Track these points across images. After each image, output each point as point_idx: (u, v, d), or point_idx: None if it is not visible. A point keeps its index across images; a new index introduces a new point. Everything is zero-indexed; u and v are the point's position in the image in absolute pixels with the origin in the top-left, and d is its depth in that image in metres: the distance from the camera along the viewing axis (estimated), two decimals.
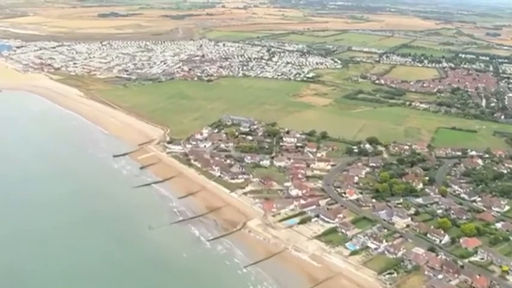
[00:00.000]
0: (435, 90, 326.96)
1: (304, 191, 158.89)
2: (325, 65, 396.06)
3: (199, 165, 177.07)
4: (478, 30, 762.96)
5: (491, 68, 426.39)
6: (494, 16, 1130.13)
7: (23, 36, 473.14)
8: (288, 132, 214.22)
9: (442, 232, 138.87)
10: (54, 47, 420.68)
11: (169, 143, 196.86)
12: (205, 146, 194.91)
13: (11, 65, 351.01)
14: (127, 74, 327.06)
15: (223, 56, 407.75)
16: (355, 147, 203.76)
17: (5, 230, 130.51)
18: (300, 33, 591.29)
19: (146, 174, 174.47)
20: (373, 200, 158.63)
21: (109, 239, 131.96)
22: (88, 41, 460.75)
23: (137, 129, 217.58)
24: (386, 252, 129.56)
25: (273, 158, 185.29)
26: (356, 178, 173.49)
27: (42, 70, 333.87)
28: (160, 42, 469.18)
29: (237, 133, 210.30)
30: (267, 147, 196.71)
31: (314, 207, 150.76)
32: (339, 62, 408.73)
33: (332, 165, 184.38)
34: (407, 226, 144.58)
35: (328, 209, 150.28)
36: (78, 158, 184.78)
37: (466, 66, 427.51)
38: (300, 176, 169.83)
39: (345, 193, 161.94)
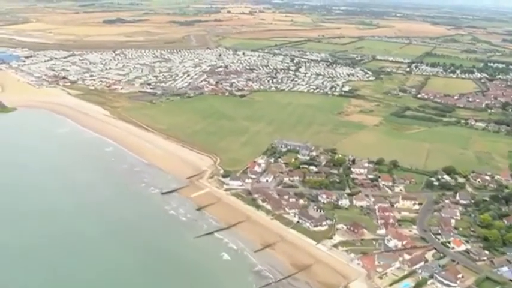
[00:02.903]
0: (483, 105, 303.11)
1: (404, 242, 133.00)
2: (357, 76, 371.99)
3: (269, 207, 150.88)
4: (492, 36, 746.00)
5: None
6: (500, 21, 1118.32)
7: (29, 44, 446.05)
8: (353, 162, 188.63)
9: None
10: (65, 57, 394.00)
11: (224, 176, 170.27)
12: (267, 180, 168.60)
13: (22, 77, 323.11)
14: (151, 88, 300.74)
15: (247, 67, 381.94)
16: (433, 178, 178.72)
17: None
18: (316, 40, 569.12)
19: (206, 218, 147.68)
20: (486, 252, 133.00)
21: None
22: (99, 49, 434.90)
23: (181, 158, 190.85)
24: None
25: (351, 196, 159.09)
26: (453, 221, 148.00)
27: (57, 84, 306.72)
28: (176, 51, 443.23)
29: (297, 163, 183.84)
30: (338, 181, 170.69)
31: (423, 263, 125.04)
32: (370, 73, 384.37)
33: (419, 204, 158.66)
34: None
35: (440, 265, 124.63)
36: (123, 197, 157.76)
37: (500, 77, 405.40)
38: (391, 220, 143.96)
39: (449, 242, 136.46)
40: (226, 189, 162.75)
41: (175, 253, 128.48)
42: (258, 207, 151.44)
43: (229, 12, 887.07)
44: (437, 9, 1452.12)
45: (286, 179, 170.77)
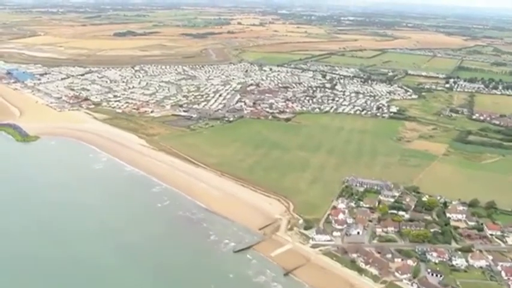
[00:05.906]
0: None
1: None
2: (398, 94, 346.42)
3: (374, 271, 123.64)
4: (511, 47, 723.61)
5: None
6: (509, 30, 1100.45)
7: (41, 60, 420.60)
8: (445, 205, 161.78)
9: None
10: (82, 74, 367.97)
11: (306, 228, 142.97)
12: (358, 232, 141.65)
13: (40, 98, 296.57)
14: (184, 111, 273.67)
15: (280, 85, 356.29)
16: None
17: None
18: (340, 54, 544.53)
19: (299, 286, 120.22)
20: None
21: None
22: (116, 65, 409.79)
23: (245, 202, 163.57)
24: None
25: (464, 252, 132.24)
26: None
27: (80, 106, 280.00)
28: (199, 66, 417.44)
29: (385, 208, 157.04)
30: (440, 232, 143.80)
31: None
32: (410, 90, 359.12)
33: None
34: None
35: None
36: (191, 258, 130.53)
37: None
38: None
39: None
40: (313, 246, 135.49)
41: None
42: (361, 271, 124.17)
43: (240, 23, 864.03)
44: (443, 18, 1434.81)
45: (378, 230, 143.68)
